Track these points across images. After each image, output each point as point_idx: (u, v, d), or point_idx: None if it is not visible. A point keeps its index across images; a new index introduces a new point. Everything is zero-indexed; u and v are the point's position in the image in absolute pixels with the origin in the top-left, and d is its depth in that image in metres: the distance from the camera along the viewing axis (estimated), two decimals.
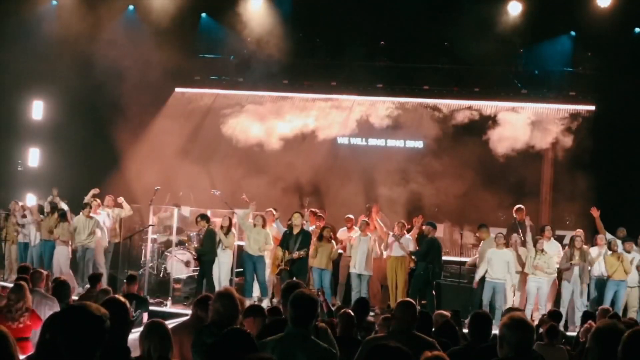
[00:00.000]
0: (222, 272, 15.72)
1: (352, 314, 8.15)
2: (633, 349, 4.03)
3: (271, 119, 19.46)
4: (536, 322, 12.16)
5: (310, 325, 5.36)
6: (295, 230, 15.07)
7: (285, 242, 15.07)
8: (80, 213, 16.63)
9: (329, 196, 19.25)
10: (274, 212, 16.47)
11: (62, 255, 16.41)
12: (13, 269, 17.29)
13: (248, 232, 15.61)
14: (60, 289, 10.29)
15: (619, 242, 15.00)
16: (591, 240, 15.58)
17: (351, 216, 16.60)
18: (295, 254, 14.79)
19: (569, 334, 12.72)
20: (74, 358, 3.67)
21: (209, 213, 17.34)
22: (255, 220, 15.60)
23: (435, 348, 5.68)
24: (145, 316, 10.67)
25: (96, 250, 16.63)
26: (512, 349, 4.81)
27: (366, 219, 15.88)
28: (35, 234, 17.18)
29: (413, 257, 15.26)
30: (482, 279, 14.86)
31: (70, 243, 16.55)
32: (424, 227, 15.68)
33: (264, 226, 15.61)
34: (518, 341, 4.80)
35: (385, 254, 15.79)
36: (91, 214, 16.60)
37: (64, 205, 17.36)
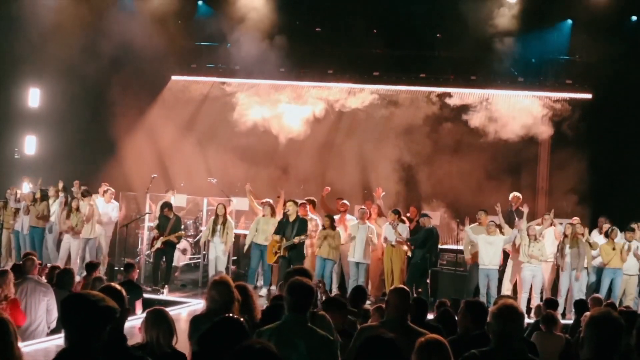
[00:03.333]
0: (218, 260, 15.74)
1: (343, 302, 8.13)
2: None
3: (268, 107, 19.42)
4: (533, 311, 12.24)
5: (308, 312, 5.36)
6: (291, 218, 15.09)
7: (281, 229, 15.07)
8: (99, 197, 16.74)
9: (324, 183, 19.26)
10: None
11: (74, 245, 16.26)
12: (12, 256, 17.28)
13: (256, 223, 15.67)
14: (63, 276, 10.34)
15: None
16: (590, 226, 15.66)
17: (346, 202, 16.63)
18: (296, 239, 14.76)
19: (566, 322, 12.73)
20: (73, 344, 3.70)
21: (205, 201, 17.45)
22: (264, 209, 15.64)
23: None
24: (138, 304, 10.62)
25: (102, 238, 16.73)
26: (495, 338, 4.75)
27: (364, 207, 15.87)
28: (26, 222, 17.10)
29: (410, 244, 15.22)
30: (476, 266, 14.88)
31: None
32: (420, 219, 15.68)
33: (272, 215, 15.62)
34: (500, 330, 4.72)
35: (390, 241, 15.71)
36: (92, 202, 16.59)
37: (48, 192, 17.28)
